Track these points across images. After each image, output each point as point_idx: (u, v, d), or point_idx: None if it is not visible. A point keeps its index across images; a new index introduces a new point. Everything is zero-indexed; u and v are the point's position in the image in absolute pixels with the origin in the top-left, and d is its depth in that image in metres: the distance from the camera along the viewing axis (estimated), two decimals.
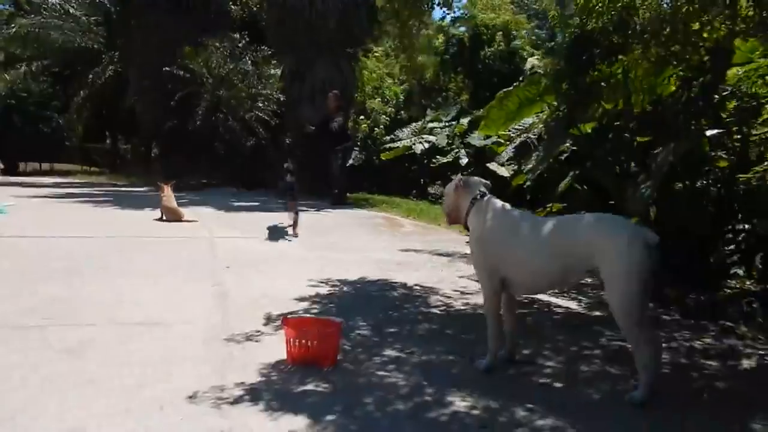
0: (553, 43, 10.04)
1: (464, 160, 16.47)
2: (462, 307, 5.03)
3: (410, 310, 4.88)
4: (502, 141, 15.22)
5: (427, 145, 18.08)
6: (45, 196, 12.69)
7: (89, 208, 10.62)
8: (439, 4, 7.25)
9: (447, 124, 18.72)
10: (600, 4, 6.88)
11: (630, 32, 7.00)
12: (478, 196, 3.66)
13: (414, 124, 19.90)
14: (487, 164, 15.45)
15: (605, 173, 7.22)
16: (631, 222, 3.37)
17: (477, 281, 5.89)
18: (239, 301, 4.92)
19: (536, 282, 3.56)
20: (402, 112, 22.09)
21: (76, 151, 28.91)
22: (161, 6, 17.69)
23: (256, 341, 3.98)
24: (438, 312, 4.87)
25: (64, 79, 25.18)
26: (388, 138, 20.24)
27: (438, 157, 17.34)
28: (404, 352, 3.89)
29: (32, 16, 22.68)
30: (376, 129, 21.02)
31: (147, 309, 4.62)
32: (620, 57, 7.02)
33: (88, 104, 23.14)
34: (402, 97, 22.94)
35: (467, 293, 5.50)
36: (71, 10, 22.23)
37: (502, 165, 15.03)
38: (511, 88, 8.31)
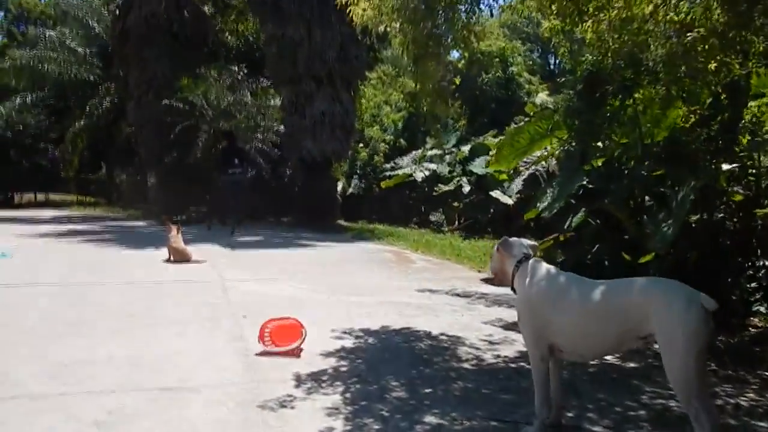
0: (563, 79, 10.04)
1: (466, 188, 16.44)
2: (493, 360, 4.90)
3: (441, 365, 4.74)
4: (503, 169, 15.21)
5: (428, 173, 18.08)
6: (46, 234, 12.53)
7: (93, 248, 10.47)
8: (457, 49, 7.19)
9: (447, 151, 18.73)
10: (613, 43, 6.85)
11: (643, 69, 6.99)
12: (522, 259, 3.54)
13: (414, 151, 19.91)
14: (490, 192, 15.43)
15: (619, 207, 7.15)
16: (685, 285, 3.24)
17: (502, 328, 5.85)
18: (263, 359, 4.77)
19: (589, 348, 3.38)
20: (401, 139, 22.12)
21: (72, 182, 28.73)
22: (158, 38, 17.69)
23: (291, 408, 3.83)
24: (470, 367, 4.73)
25: (59, 111, 25.06)
26: (387, 166, 20.24)
27: (440, 185, 17.31)
28: (444, 418, 3.74)
29: (27, 48, 22.60)
30: (375, 156, 21.02)
31: (171, 370, 4.46)
32: (635, 94, 7.00)
33: (83, 135, 23.01)
34: (400, 125, 22.98)
35: (494, 343, 5.38)
36: (68, 42, 22.13)
37: (505, 193, 15.01)
38: (522, 124, 8.29)
